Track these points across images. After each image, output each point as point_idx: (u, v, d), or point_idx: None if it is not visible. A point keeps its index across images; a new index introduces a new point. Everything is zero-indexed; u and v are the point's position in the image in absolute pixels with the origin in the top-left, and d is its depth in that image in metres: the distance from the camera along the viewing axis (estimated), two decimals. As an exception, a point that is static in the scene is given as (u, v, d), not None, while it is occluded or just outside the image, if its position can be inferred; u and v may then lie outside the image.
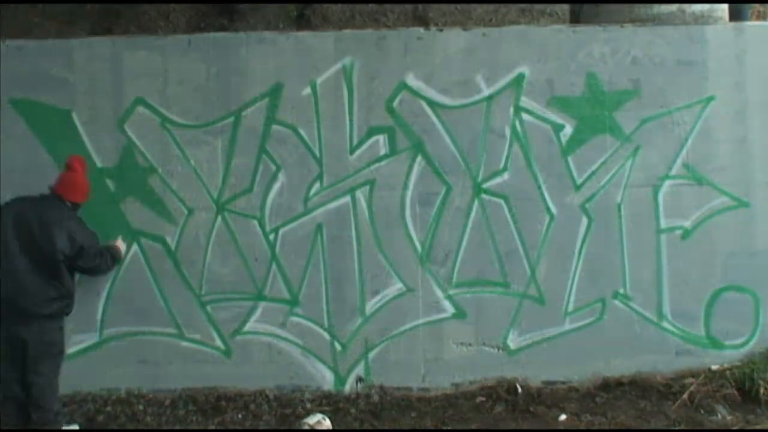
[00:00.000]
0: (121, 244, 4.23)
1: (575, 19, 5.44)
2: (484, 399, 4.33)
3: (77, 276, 3.96)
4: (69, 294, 3.85)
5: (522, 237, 4.44)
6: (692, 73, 4.49)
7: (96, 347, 4.38)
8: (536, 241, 4.45)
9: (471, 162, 4.44)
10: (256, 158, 4.39)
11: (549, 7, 8.18)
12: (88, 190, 4.04)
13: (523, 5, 8.26)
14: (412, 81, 4.41)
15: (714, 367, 4.42)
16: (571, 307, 4.47)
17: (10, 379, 3.74)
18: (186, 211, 4.39)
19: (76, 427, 4.01)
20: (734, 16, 5.06)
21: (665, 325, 4.49)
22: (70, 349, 4.34)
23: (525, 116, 4.44)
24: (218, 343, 4.40)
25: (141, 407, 4.27)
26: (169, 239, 4.38)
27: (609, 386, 4.39)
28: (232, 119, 4.39)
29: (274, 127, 4.38)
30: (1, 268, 3.71)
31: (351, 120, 4.40)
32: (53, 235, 3.73)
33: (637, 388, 4.36)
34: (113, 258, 4.11)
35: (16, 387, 3.74)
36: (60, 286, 3.77)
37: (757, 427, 3.93)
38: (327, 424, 3.95)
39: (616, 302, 4.47)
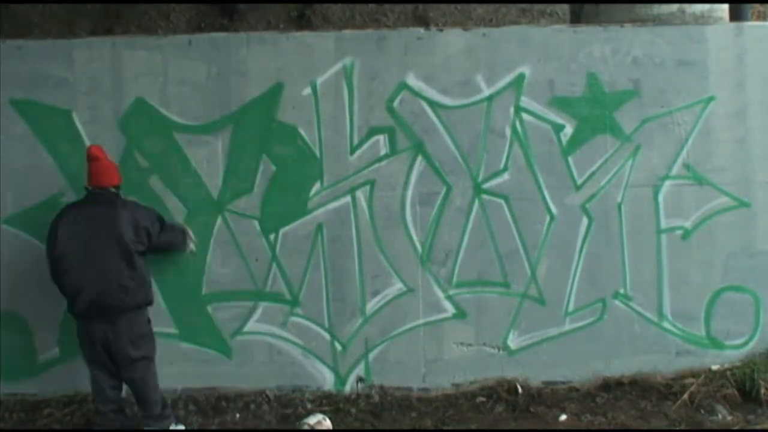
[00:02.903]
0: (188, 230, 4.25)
1: (575, 19, 5.44)
2: (484, 399, 4.33)
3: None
4: (146, 283, 3.85)
5: (522, 237, 4.45)
6: (692, 73, 4.49)
7: (96, 347, 4.37)
8: (536, 241, 4.45)
9: (471, 162, 4.44)
10: (256, 158, 4.38)
11: (549, 7, 8.19)
12: (119, 170, 4.03)
13: (523, 5, 8.27)
14: (412, 81, 4.41)
15: (714, 367, 4.42)
16: (571, 307, 4.47)
17: (104, 387, 3.80)
18: (186, 211, 4.38)
19: (182, 427, 4.01)
20: (734, 16, 5.06)
21: (665, 325, 4.49)
22: (69, 350, 4.36)
23: (525, 116, 4.43)
24: (218, 343, 4.40)
25: (141, 407, 4.27)
26: (169, 239, 4.38)
27: (609, 386, 4.39)
28: (232, 119, 4.39)
29: (274, 127, 4.38)
30: (75, 274, 3.69)
31: (351, 120, 4.40)
32: (116, 228, 3.71)
33: (637, 388, 4.36)
34: (183, 232, 4.16)
35: (111, 393, 3.83)
36: (136, 277, 3.75)
37: (758, 427, 3.93)
38: (327, 424, 3.95)
39: (617, 302, 4.47)
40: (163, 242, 3.98)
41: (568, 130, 4.45)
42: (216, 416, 4.21)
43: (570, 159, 4.46)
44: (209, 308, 4.40)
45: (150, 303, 3.91)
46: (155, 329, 4.35)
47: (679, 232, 4.49)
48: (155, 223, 3.91)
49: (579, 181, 4.46)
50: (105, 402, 3.84)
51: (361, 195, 4.41)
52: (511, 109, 4.43)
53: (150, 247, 3.86)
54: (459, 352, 4.45)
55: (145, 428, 3.84)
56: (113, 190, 3.92)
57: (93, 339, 3.72)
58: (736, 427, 3.93)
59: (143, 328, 3.84)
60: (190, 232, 4.25)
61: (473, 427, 4.04)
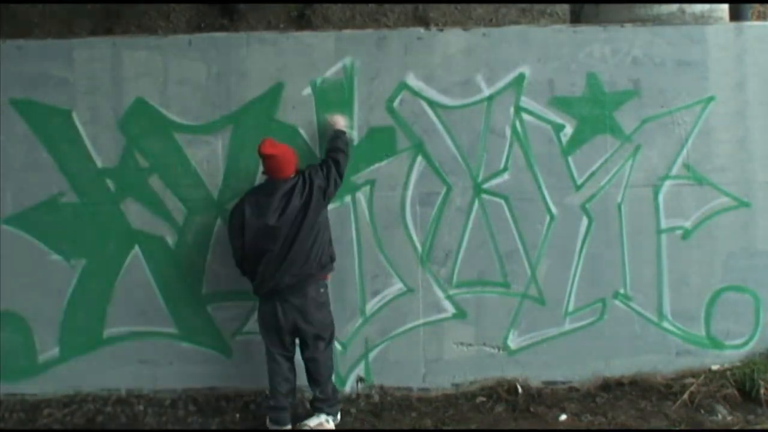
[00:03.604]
0: (339, 120, 4.25)
1: (575, 19, 5.44)
2: (484, 399, 4.33)
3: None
4: (328, 255, 3.94)
5: (522, 237, 4.45)
6: (692, 73, 4.49)
7: (96, 347, 4.37)
8: (536, 241, 4.45)
9: (471, 162, 4.44)
10: (256, 158, 4.36)
11: (549, 7, 8.18)
12: (296, 156, 4.04)
13: (523, 5, 8.26)
14: (412, 81, 4.41)
15: (714, 367, 4.42)
16: (571, 307, 4.47)
17: (283, 371, 3.92)
18: (186, 211, 4.38)
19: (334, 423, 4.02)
20: (734, 16, 5.06)
21: (665, 325, 4.49)
22: (69, 350, 4.37)
23: (525, 116, 4.44)
24: (218, 343, 4.40)
25: (141, 407, 4.27)
26: (169, 239, 4.38)
27: (609, 386, 4.39)
28: (232, 119, 4.39)
29: (274, 127, 4.38)
30: (259, 257, 3.81)
31: (351, 120, 4.40)
32: (304, 207, 3.81)
33: (637, 388, 4.36)
34: (345, 143, 4.15)
35: (290, 374, 3.95)
36: (319, 249, 3.85)
37: (757, 427, 3.93)
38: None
39: (617, 302, 4.47)
40: (338, 173, 4.03)
41: (568, 130, 4.45)
42: (216, 416, 4.21)
43: (570, 159, 4.46)
44: (209, 308, 4.40)
45: (331, 269, 4.02)
46: (155, 329, 4.37)
47: (679, 232, 4.49)
48: (318, 172, 3.97)
49: (579, 181, 4.46)
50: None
51: (361, 195, 4.41)
52: (511, 109, 4.44)
53: (335, 186, 3.99)
54: (459, 352, 4.45)
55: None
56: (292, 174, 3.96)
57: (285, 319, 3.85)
58: (736, 427, 3.93)
59: (326, 298, 3.97)
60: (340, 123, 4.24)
61: (473, 427, 4.04)
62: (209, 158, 4.39)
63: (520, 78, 4.43)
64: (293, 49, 4.40)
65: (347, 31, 4.53)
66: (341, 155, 4.07)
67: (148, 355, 4.38)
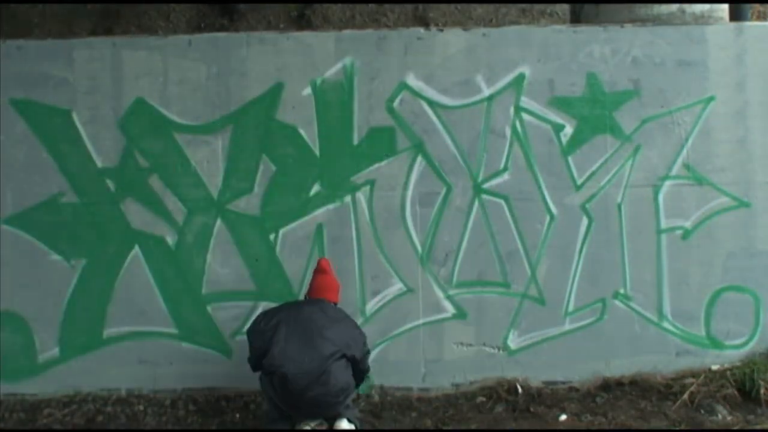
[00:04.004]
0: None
1: (575, 19, 5.44)
2: (484, 399, 4.33)
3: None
4: (344, 390, 3.60)
5: (522, 237, 4.45)
6: (692, 73, 4.49)
7: (96, 347, 4.38)
8: (536, 241, 4.45)
9: (471, 162, 4.44)
10: (256, 158, 4.39)
11: (549, 7, 8.19)
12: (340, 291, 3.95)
13: (523, 5, 8.27)
14: (412, 81, 4.42)
15: (714, 367, 4.42)
16: (571, 307, 4.47)
17: None
18: (186, 211, 4.38)
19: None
20: (734, 16, 5.06)
21: (665, 325, 4.49)
22: (69, 350, 4.37)
23: (525, 116, 4.44)
24: (218, 343, 4.40)
25: (141, 407, 4.27)
26: (169, 239, 4.38)
27: (609, 386, 4.39)
28: (232, 119, 4.39)
29: (274, 127, 4.38)
30: (280, 364, 3.51)
31: (351, 120, 4.40)
32: (328, 336, 3.55)
33: (637, 388, 4.35)
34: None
35: None
36: (335, 385, 3.53)
37: (757, 427, 3.93)
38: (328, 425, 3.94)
39: (617, 302, 4.47)
40: (363, 369, 3.77)
41: (568, 130, 4.45)
42: (216, 416, 4.21)
43: (570, 159, 4.46)
44: (209, 308, 4.40)
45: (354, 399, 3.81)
46: (155, 329, 4.37)
47: (679, 232, 4.49)
48: (363, 349, 3.72)
49: (579, 181, 4.46)
50: None
51: (361, 195, 4.41)
52: (511, 109, 4.44)
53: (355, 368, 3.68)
54: (459, 352, 4.45)
55: None
56: (333, 305, 3.81)
57: None
58: (736, 427, 3.93)
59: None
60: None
61: (473, 427, 4.04)
62: (209, 158, 4.39)
63: (520, 78, 4.43)
64: (293, 49, 4.40)
65: (347, 31, 4.53)
66: (367, 365, 3.82)
67: (148, 355, 4.38)
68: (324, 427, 3.91)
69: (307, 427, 3.89)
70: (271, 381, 3.56)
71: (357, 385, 3.78)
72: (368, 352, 3.82)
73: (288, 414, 3.65)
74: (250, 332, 3.71)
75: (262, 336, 3.60)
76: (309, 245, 4.40)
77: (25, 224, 4.36)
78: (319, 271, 3.93)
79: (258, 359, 3.63)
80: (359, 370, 3.72)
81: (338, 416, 3.65)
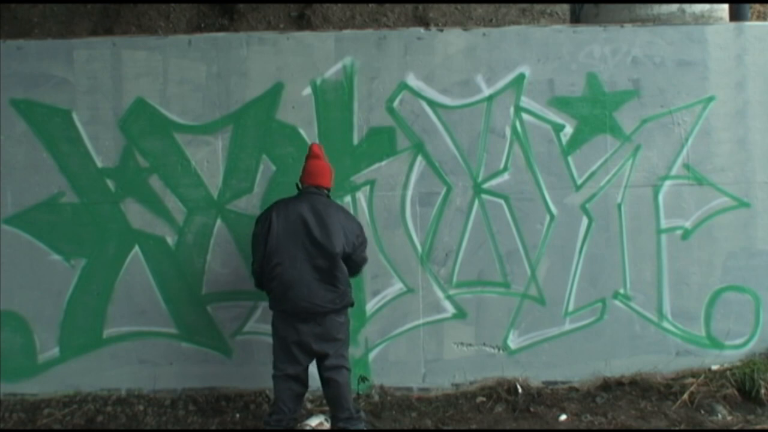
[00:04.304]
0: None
1: (575, 19, 5.45)
2: (484, 399, 4.33)
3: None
4: (346, 289, 3.69)
5: (522, 237, 4.45)
6: (692, 73, 4.49)
7: (96, 347, 4.38)
8: (536, 241, 4.45)
9: (471, 162, 4.44)
10: (256, 158, 4.39)
11: (549, 7, 8.20)
12: (332, 172, 3.94)
13: (523, 5, 8.28)
14: (412, 81, 4.42)
15: (714, 367, 4.42)
16: (571, 307, 4.47)
17: (292, 375, 3.70)
18: (186, 211, 4.38)
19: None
20: (734, 16, 5.06)
21: (665, 325, 4.49)
22: (69, 350, 4.37)
23: (525, 116, 4.44)
24: (218, 343, 4.40)
25: (141, 407, 4.27)
26: (169, 239, 4.38)
27: (609, 386, 4.39)
28: (232, 119, 4.39)
29: (274, 127, 4.38)
30: (280, 271, 3.62)
31: (351, 120, 4.40)
32: (332, 233, 3.60)
33: (637, 388, 4.35)
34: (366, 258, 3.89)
35: (295, 384, 3.73)
36: (338, 283, 3.63)
37: (757, 427, 3.93)
38: (329, 425, 3.95)
39: (617, 302, 4.47)
40: (360, 259, 3.79)
41: (568, 130, 4.45)
42: (216, 416, 4.21)
43: (570, 159, 4.46)
44: (209, 308, 4.40)
45: (352, 304, 3.78)
46: (155, 329, 4.37)
47: (679, 232, 4.49)
48: (360, 238, 3.75)
49: (579, 181, 4.46)
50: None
51: (361, 195, 4.41)
52: (511, 109, 4.44)
53: (351, 260, 3.71)
54: (459, 352, 4.45)
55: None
56: (326, 191, 3.83)
57: (293, 338, 3.66)
58: (736, 427, 3.93)
59: (343, 331, 3.73)
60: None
61: (473, 427, 4.04)
62: (209, 158, 4.39)
63: (520, 78, 4.43)
64: (293, 49, 4.40)
65: (347, 31, 4.53)
66: (364, 254, 3.84)
67: (148, 355, 4.38)
68: (324, 427, 3.91)
69: (308, 428, 3.89)
70: (274, 291, 3.66)
71: (353, 275, 3.80)
72: (364, 242, 3.80)
73: (293, 342, 3.66)
74: (252, 241, 3.81)
75: (258, 241, 3.73)
76: (309, 245, 4.40)
77: (25, 224, 4.36)
78: (311, 156, 3.88)
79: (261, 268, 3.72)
80: (353, 262, 3.73)
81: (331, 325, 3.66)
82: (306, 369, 3.73)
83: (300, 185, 3.85)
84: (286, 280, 3.61)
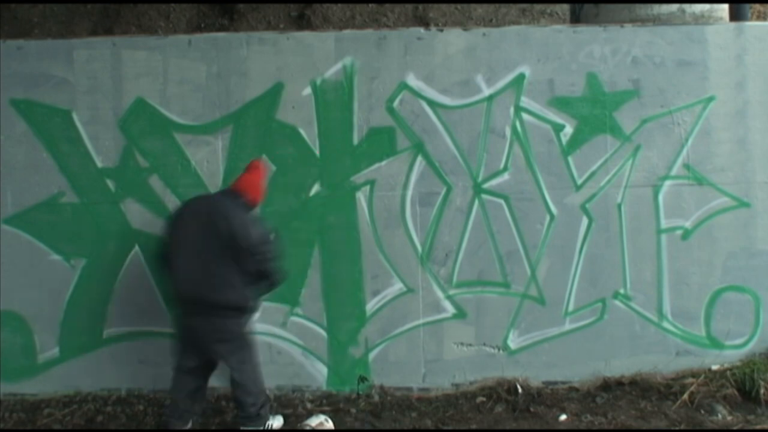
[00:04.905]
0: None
1: (575, 19, 5.45)
2: (484, 399, 4.33)
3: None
4: (246, 292, 3.66)
5: (522, 237, 4.45)
6: (692, 73, 4.49)
7: (96, 347, 4.38)
8: (536, 241, 4.45)
9: (471, 162, 4.44)
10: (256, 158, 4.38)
11: (549, 7, 8.20)
12: (264, 192, 3.98)
13: (523, 5, 8.28)
14: (412, 81, 4.42)
15: (714, 367, 4.42)
16: (571, 307, 4.47)
17: (185, 368, 3.75)
18: (186, 211, 4.38)
19: (280, 421, 3.94)
20: (734, 16, 5.06)
21: (665, 325, 4.49)
22: (69, 350, 4.37)
23: (525, 116, 4.44)
24: (218, 343, 4.39)
25: (141, 407, 4.27)
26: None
27: (609, 386, 4.39)
28: (232, 119, 4.39)
29: (274, 127, 4.38)
30: (178, 262, 3.63)
31: (351, 120, 4.40)
32: (227, 223, 3.57)
33: (637, 388, 4.35)
34: (278, 272, 3.80)
35: (189, 378, 3.76)
36: (238, 280, 3.60)
37: (757, 427, 3.93)
38: (329, 425, 3.94)
39: (617, 302, 4.47)
40: (260, 265, 3.68)
41: (568, 130, 4.45)
42: (216, 416, 4.21)
43: (570, 159, 4.46)
44: (209, 308, 4.39)
45: (251, 310, 3.77)
46: (155, 329, 4.37)
47: (679, 232, 4.49)
48: (263, 243, 3.67)
49: (579, 181, 4.46)
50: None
51: (361, 195, 4.41)
52: (511, 109, 4.44)
53: (249, 262, 3.62)
54: (459, 352, 4.45)
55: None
56: (244, 202, 3.77)
57: (187, 332, 3.69)
58: (736, 427, 3.93)
59: (237, 329, 3.72)
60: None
61: (473, 427, 4.04)
62: (209, 158, 4.39)
63: (520, 78, 4.43)
64: (293, 49, 4.40)
65: (347, 31, 4.53)
66: (265, 263, 3.70)
67: (148, 355, 4.38)
68: (324, 427, 3.91)
69: (308, 428, 3.89)
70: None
71: (267, 289, 3.79)
72: (266, 243, 3.67)
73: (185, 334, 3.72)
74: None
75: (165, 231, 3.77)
76: (309, 245, 4.40)
77: (25, 224, 4.36)
78: (248, 168, 3.93)
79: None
80: (257, 270, 3.63)
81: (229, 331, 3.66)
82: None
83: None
84: None
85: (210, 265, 3.59)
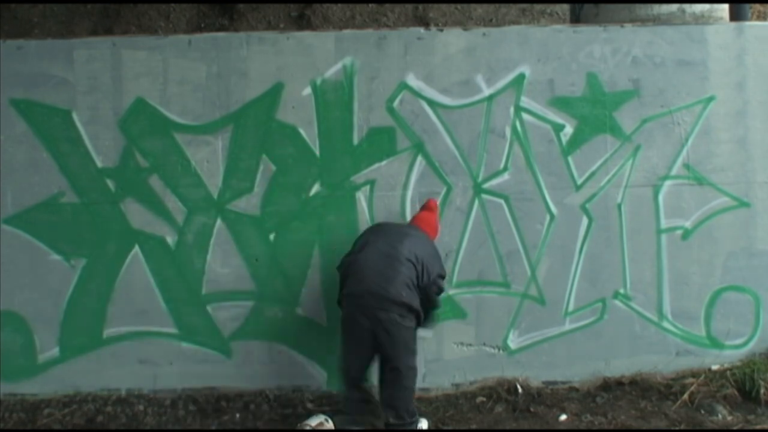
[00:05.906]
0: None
1: (575, 19, 5.45)
2: (484, 399, 4.33)
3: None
4: (415, 304, 3.70)
5: (522, 237, 4.44)
6: (692, 73, 4.49)
7: (96, 347, 4.38)
8: (536, 241, 4.45)
9: (471, 162, 4.44)
10: (256, 158, 4.38)
11: (549, 7, 8.20)
12: (439, 230, 4.21)
13: (523, 5, 8.28)
14: (412, 81, 4.41)
15: (714, 367, 4.42)
16: (571, 307, 4.47)
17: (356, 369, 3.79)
18: (186, 211, 4.38)
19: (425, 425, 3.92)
20: (734, 16, 5.06)
21: (665, 325, 4.49)
22: (69, 350, 4.37)
23: (525, 116, 4.44)
24: (218, 343, 4.39)
25: (141, 407, 4.27)
26: (169, 239, 4.38)
27: (609, 386, 4.39)
28: (232, 119, 4.39)
29: (274, 127, 4.38)
30: (359, 262, 3.73)
31: (351, 120, 4.40)
32: (404, 243, 3.74)
33: (637, 388, 4.35)
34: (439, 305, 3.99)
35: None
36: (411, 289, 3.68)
37: (758, 427, 3.93)
38: (330, 425, 3.94)
39: (617, 302, 4.47)
40: (430, 294, 3.82)
41: (568, 130, 4.45)
42: (216, 416, 4.21)
43: (570, 159, 4.46)
44: (209, 308, 4.39)
45: (418, 323, 3.82)
46: (155, 329, 4.37)
47: (679, 232, 4.49)
48: (435, 271, 3.82)
49: (579, 181, 4.46)
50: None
51: (361, 195, 4.41)
52: (511, 109, 4.43)
53: (421, 288, 3.75)
54: (459, 352, 4.45)
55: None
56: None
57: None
58: (736, 427, 3.93)
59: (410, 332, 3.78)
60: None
61: (473, 427, 4.04)
62: (209, 158, 4.39)
63: (520, 78, 4.43)
64: (293, 49, 4.40)
65: (347, 31, 4.53)
66: (434, 294, 3.89)
67: (148, 355, 4.38)
68: (324, 427, 3.91)
69: (308, 428, 3.89)
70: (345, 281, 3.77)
71: (424, 316, 3.81)
72: (440, 279, 3.85)
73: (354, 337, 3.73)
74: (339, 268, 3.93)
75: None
76: (309, 245, 4.40)
77: (25, 224, 4.36)
78: (425, 208, 4.23)
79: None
80: (426, 297, 3.78)
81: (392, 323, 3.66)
82: None
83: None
84: None
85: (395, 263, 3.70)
